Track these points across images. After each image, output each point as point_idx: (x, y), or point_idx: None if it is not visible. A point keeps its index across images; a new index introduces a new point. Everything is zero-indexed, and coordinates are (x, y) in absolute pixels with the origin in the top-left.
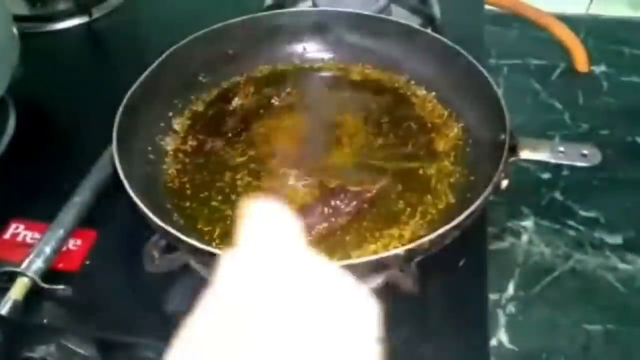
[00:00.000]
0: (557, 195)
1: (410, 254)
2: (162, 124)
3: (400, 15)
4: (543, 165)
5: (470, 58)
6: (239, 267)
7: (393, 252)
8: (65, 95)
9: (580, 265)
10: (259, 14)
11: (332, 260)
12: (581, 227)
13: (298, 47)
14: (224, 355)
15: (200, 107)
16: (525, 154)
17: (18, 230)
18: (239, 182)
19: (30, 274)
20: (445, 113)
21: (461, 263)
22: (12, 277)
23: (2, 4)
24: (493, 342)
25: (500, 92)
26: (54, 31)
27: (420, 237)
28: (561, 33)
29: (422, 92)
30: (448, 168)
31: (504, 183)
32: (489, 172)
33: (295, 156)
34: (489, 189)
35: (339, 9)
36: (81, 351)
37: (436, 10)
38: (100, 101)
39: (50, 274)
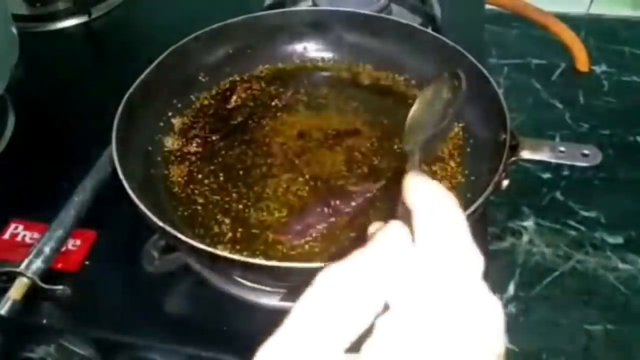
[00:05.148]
0: (558, 195)
1: None
2: (161, 124)
3: (400, 14)
4: (544, 165)
5: (471, 57)
6: None
7: None
8: (65, 94)
9: (581, 265)
10: (259, 13)
11: (333, 261)
12: (582, 227)
13: (298, 47)
14: None
15: (200, 107)
16: (525, 154)
17: (17, 230)
18: (238, 182)
19: (29, 274)
20: None
21: None
22: (11, 277)
23: (2, 3)
24: None
25: (500, 91)
26: (53, 31)
27: None
28: (562, 33)
29: None
30: (449, 168)
31: (505, 183)
32: (490, 172)
33: (295, 156)
34: (490, 188)
35: (340, 9)
36: (80, 351)
37: (436, 10)
38: (100, 100)
39: (49, 274)
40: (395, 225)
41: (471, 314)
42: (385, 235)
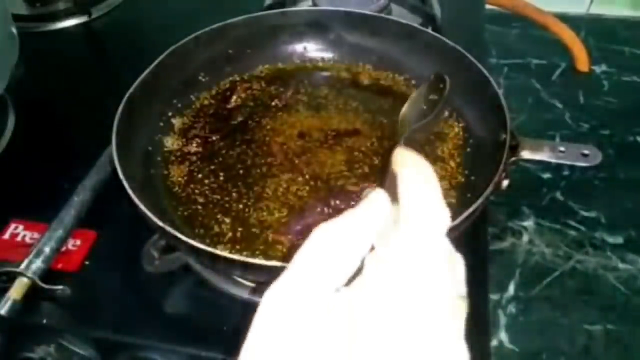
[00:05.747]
0: (558, 195)
1: None
2: (161, 124)
3: (400, 14)
4: (544, 165)
5: (471, 58)
6: None
7: None
8: (65, 94)
9: (581, 265)
10: (259, 13)
11: None
12: (582, 227)
13: (298, 47)
14: None
15: (200, 107)
16: (525, 154)
17: (17, 230)
18: (238, 182)
19: (29, 274)
20: (446, 113)
21: None
22: (11, 277)
23: (2, 3)
24: (493, 342)
25: (500, 91)
26: (53, 31)
27: None
28: (562, 33)
29: None
30: (449, 169)
31: (505, 183)
32: (490, 172)
33: (295, 156)
34: (490, 188)
35: (340, 9)
36: (80, 351)
37: (436, 10)
38: (100, 101)
39: (49, 274)
40: (378, 190)
41: (438, 256)
42: (369, 197)
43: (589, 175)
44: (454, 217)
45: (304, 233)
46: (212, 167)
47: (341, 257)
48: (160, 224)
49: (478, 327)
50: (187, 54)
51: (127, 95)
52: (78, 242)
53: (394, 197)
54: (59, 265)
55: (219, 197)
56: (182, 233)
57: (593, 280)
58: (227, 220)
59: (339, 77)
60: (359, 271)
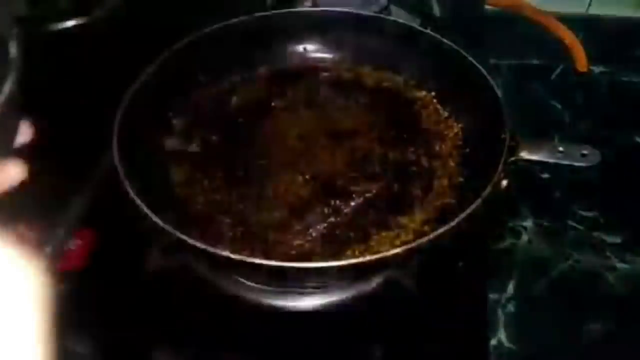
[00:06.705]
0: (557, 195)
1: (409, 254)
2: (162, 124)
3: (399, 15)
4: (543, 165)
5: (470, 58)
6: None
7: (392, 251)
8: (65, 95)
9: (580, 265)
10: (260, 14)
11: (332, 260)
12: (580, 227)
13: (298, 47)
14: None
15: (200, 107)
16: (524, 154)
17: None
18: (238, 182)
19: None
20: (445, 113)
21: (461, 263)
22: None
23: (2, 4)
24: (493, 341)
25: (499, 92)
26: (53, 31)
27: (420, 236)
28: (561, 33)
29: (421, 92)
30: (449, 168)
31: (504, 183)
32: (489, 172)
33: (295, 156)
34: (489, 189)
35: (339, 9)
36: (81, 351)
37: (436, 10)
38: (101, 101)
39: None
40: None
41: None
42: None
43: (588, 176)
44: (453, 217)
45: (304, 233)
46: (212, 167)
47: None
48: (161, 224)
49: (477, 327)
50: (187, 55)
51: (127, 95)
52: (79, 242)
53: None
54: (60, 265)
55: (219, 197)
56: (182, 233)
57: (592, 280)
58: (228, 220)
59: (339, 78)
60: None
